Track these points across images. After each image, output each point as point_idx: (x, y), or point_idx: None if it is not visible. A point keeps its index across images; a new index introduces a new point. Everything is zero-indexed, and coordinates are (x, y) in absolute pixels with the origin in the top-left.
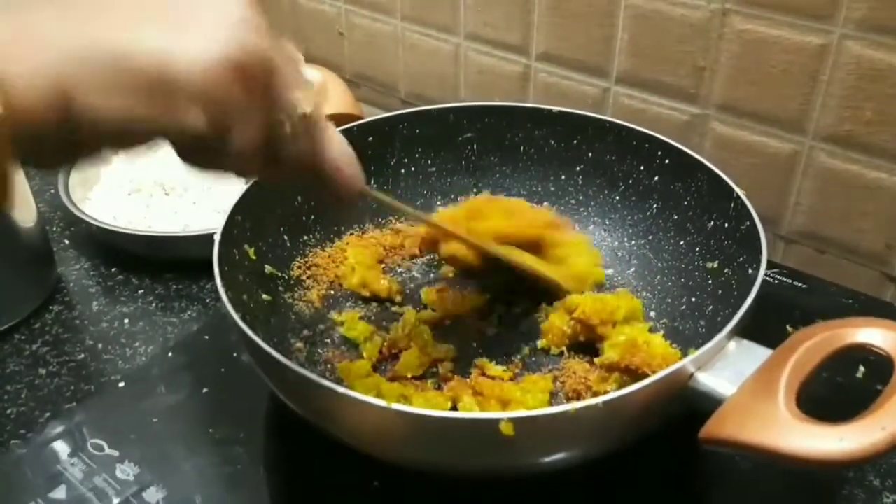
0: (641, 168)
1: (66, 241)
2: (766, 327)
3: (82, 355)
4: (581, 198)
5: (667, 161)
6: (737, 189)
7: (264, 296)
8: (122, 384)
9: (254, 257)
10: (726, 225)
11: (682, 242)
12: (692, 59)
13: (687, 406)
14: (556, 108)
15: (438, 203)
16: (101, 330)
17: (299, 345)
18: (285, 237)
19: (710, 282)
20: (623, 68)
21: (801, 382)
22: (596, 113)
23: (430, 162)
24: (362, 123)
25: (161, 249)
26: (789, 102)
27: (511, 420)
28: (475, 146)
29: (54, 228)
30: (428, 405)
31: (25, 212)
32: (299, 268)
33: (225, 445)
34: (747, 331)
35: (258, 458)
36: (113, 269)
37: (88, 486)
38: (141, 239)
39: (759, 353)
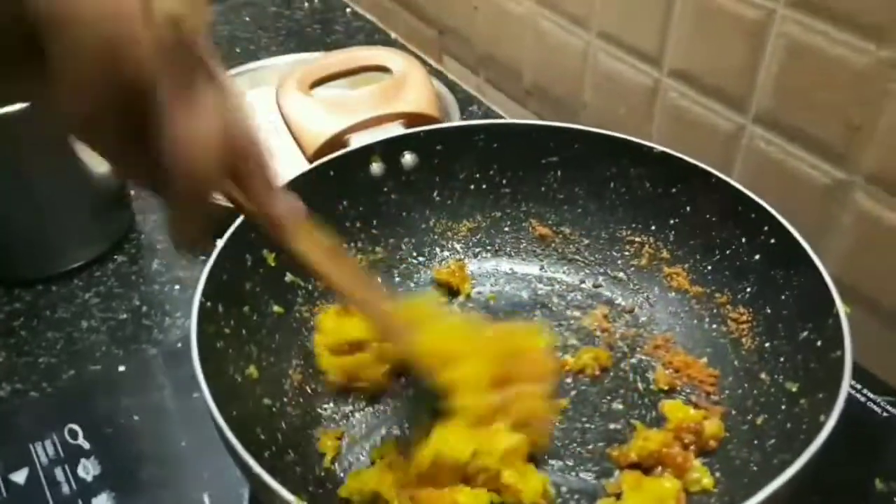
0: (743, 240)
1: None
2: (851, 472)
3: (125, 315)
4: (667, 255)
5: (772, 240)
6: (838, 303)
7: (275, 307)
8: (121, 368)
9: (273, 264)
10: (819, 343)
11: (767, 345)
12: (846, 112)
13: None
14: (658, 148)
15: (507, 228)
16: (151, 291)
17: (297, 374)
18: None
19: (783, 406)
20: (764, 106)
21: None
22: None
23: (504, 181)
24: (432, 129)
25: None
26: None
27: None
28: (559, 172)
29: None
30: None
31: (99, 159)
32: None
33: (196, 483)
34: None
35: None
36: None
37: (48, 476)
38: None
39: None
